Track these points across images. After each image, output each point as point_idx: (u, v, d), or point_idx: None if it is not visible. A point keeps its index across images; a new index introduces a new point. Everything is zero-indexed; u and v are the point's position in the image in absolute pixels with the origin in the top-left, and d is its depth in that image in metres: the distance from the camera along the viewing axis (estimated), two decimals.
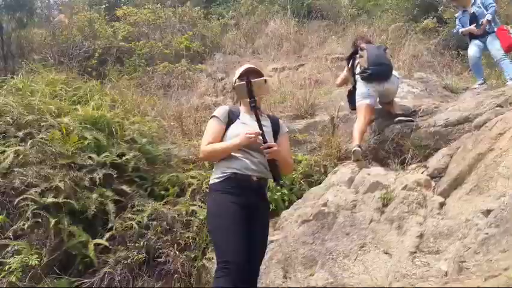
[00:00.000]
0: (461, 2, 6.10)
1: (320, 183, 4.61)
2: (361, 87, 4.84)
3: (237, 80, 2.75)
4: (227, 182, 2.53)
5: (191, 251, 3.83)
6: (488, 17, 5.82)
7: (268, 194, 4.48)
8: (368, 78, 4.73)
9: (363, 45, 5.04)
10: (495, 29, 5.85)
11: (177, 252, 3.76)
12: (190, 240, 3.87)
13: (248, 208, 2.50)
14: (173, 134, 5.69)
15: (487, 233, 2.65)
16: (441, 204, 3.66)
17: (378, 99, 4.95)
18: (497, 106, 4.48)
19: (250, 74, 2.67)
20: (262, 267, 3.51)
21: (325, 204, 3.97)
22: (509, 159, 3.41)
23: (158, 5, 10.32)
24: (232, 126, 2.63)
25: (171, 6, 10.59)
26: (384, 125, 5.04)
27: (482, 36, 5.97)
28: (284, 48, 9.65)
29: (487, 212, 2.98)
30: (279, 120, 2.86)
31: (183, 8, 10.55)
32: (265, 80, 2.58)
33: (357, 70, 4.96)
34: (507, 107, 4.42)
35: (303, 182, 4.76)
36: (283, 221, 4.19)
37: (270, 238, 3.89)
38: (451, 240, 3.06)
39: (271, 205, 4.34)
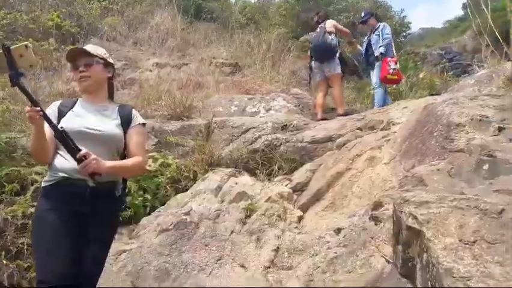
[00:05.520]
0: (368, 27, 6.43)
1: (188, 190, 4.41)
2: None
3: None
4: (55, 188, 2.15)
5: (24, 260, 3.26)
6: (381, 49, 6.16)
7: (129, 198, 4.11)
8: None
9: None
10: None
11: (4, 261, 3.17)
12: (25, 247, 3.30)
13: (80, 217, 2.13)
14: (24, 121, 4.90)
15: (335, 252, 2.73)
16: (300, 218, 3.74)
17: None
18: (357, 129, 4.84)
19: (79, 57, 2.30)
20: (109, 279, 3.18)
21: (188, 213, 3.77)
22: (363, 180, 3.65)
23: None
24: (62, 120, 2.23)
25: None
26: (257, 136, 5.07)
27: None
28: (168, 44, 9.26)
29: (338, 231, 3.10)
30: (133, 110, 2.45)
31: None
32: (27, 46, 2.03)
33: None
34: (366, 130, 4.80)
35: (169, 188, 4.46)
36: (141, 229, 3.85)
37: (123, 248, 3.57)
38: (303, 256, 3.10)
39: (129, 211, 4.03)
